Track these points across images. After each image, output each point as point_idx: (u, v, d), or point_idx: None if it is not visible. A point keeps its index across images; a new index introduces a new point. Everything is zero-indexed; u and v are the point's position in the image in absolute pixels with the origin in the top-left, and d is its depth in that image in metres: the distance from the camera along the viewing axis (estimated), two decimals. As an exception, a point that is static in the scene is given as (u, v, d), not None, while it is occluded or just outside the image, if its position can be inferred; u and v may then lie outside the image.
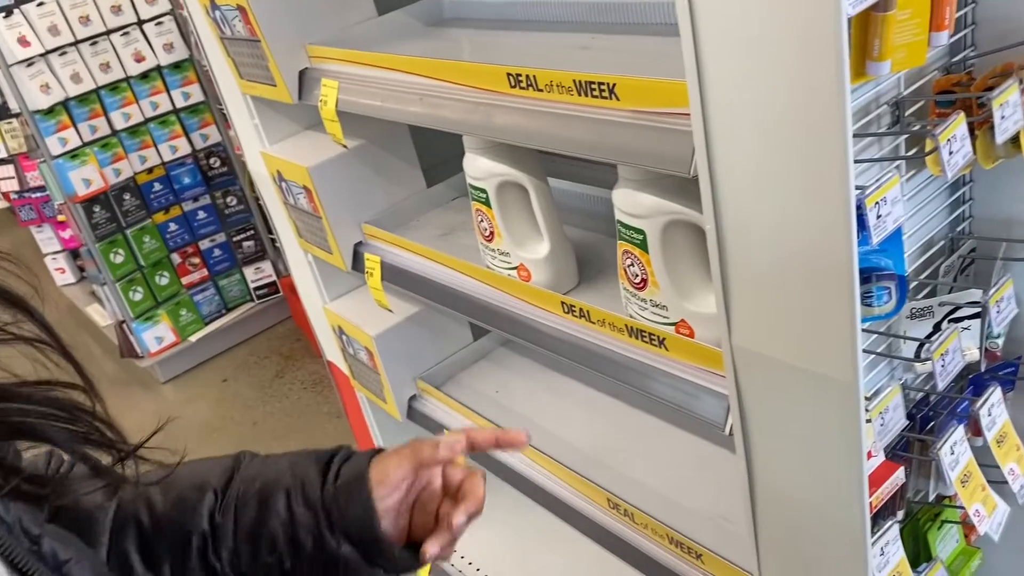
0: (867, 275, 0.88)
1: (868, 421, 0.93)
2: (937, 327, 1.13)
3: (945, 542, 1.32)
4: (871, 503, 0.99)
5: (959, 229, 1.25)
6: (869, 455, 1.04)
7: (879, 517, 1.08)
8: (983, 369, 1.25)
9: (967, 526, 1.32)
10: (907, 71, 1.06)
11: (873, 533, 1.03)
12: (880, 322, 1.10)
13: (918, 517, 1.31)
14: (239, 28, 1.54)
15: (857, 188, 0.85)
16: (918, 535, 1.31)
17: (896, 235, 0.87)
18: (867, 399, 0.95)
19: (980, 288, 1.11)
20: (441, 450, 0.83)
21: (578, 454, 1.57)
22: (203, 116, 3.67)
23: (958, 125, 0.91)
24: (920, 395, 1.23)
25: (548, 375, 1.85)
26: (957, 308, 1.12)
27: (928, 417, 1.19)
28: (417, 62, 1.29)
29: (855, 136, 0.97)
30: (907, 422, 1.22)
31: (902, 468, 1.04)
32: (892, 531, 1.04)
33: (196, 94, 3.61)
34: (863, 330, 1.07)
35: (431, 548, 0.80)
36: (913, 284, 1.19)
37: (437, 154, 1.84)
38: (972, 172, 1.21)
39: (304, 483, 0.82)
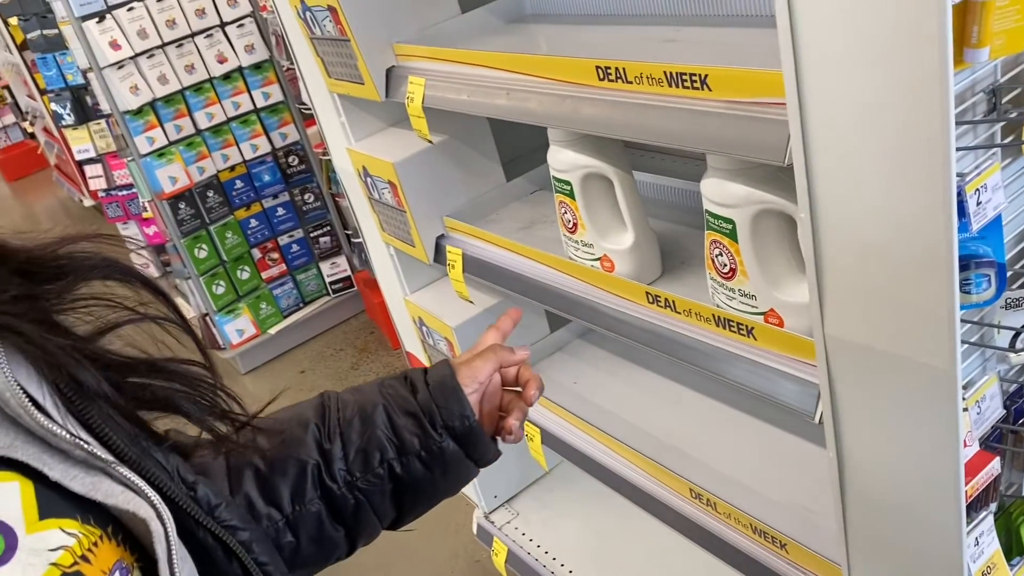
0: (966, 262, 0.88)
1: (964, 410, 0.93)
2: (1032, 317, 1.12)
3: (1039, 537, 1.30)
4: (966, 492, 0.99)
5: (1055, 219, 1.22)
6: (964, 444, 1.03)
7: (973, 508, 1.07)
8: (1079, 362, 1.22)
9: (1062, 522, 1.29)
10: (1004, 58, 1.04)
11: (967, 523, 1.02)
12: (974, 311, 1.09)
13: (1010, 511, 1.29)
14: (329, 28, 1.59)
15: (959, 176, 0.84)
16: (1010, 529, 1.29)
17: (996, 222, 0.86)
18: (963, 388, 0.94)
19: (1079, 278, 1.09)
20: (518, 352, 0.98)
21: (659, 444, 1.58)
22: (282, 116, 3.78)
23: (1060, 111, 0.90)
24: (1014, 387, 1.21)
25: (626, 366, 1.86)
26: (1054, 298, 1.10)
27: (1022, 409, 1.17)
28: (504, 57, 1.32)
29: (962, 124, 0.96)
30: (1002, 412, 1.20)
31: (997, 458, 1.03)
32: (987, 521, 1.03)
33: (276, 94, 3.72)
34: (964, 321, 1.07)
35: (514, 424, 0.92)
36: (1009, 273, 1.17)
37: (516, 148, 1.87)
38: (1070, 160, 1.19)
39: (396, 395, 0.90)
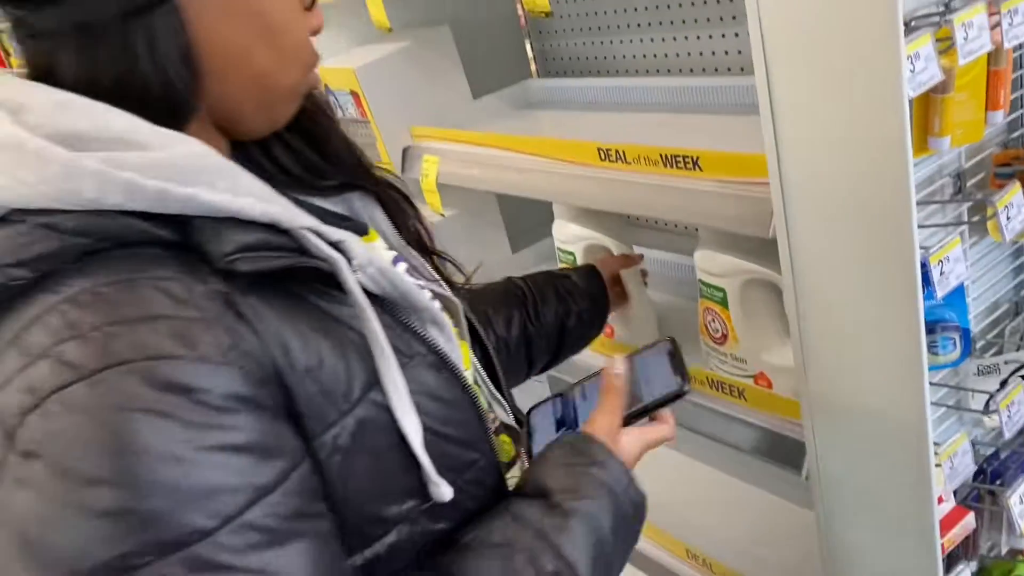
0: (932, 327, 0.97)
1: (937, 466, 1.01)
2: (1004, 383, 1.20)
3: (1019, 598, 1.35)
4: (943, 545, 1.05)
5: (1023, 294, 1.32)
6: (940, 500, 1.10)
7: (951, 562, 1.14)
8: (1051, 427, 1.30)
9: (1042, 583, 1.35)
10: (967, 146, 1.16)
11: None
12: (949, 376, 1.18)
13: (992, 572, 1.35)
14: (351, 110, 1.72)
15: (922, 248, 0.94)
16: (992, 589, 1.34)
17: (959, 291, 0.96)
18: (936, 445, 1.02)
19: (1045, 348, 1.18)
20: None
21: (656, 507, 1.64)
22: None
23: (1014, 193, 1.00)
24: (991, 450, 1.29)
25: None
26: (1023, 366, 1.18)
27: (998, 471, 1.25)
28: (513, 139, 1.44)
29: (920, 203, 1.07)
30: (979, 474, 1.27)
31: (972, 514, 1.10)
32: (964, 575, 1.09)
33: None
34: (933, 383, 1.15)
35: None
36: (980, 343, 1.26)
37: (522, 223, 1.98)
38: (1035, 239, 1.29)
39: (564, 281, 1.27)
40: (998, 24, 0.91)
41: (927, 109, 1.01)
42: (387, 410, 0.65)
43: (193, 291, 0.57)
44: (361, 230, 0.80)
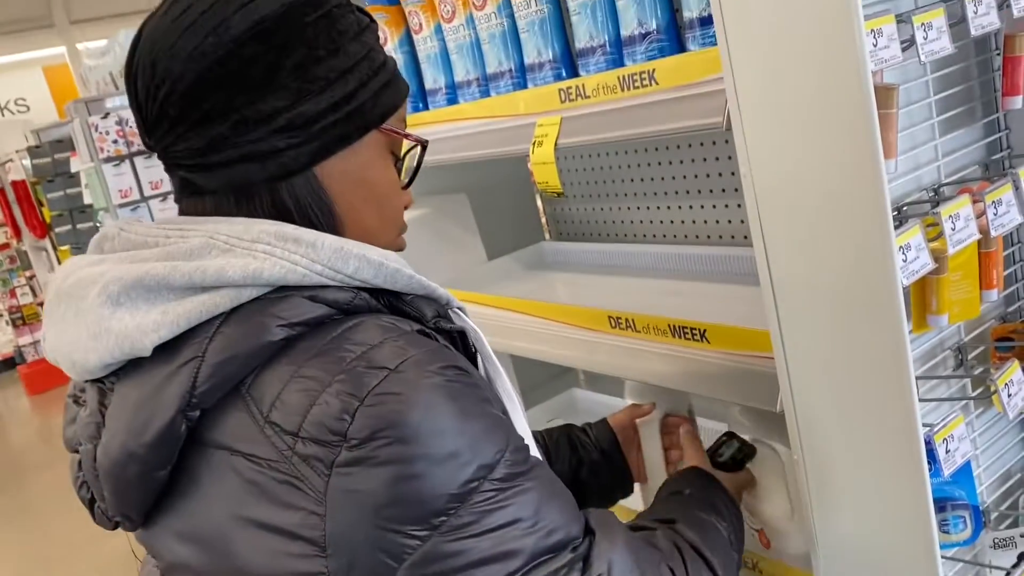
0: (942, 505, 0.98)
1: (958, 647, 0.99)
2: (1021, 556, 1.19)
3: None
4: None
5: (1034, 463, 1.32)
6: None
7: None
8: (1074, 602, 1.27)
9: None
10: (968, 320, 1.19)
11: None
12: (966, 551, 1.17)
13: None
14: (370, 272, 1.79)
15: (926, 426, 0.96)
16: None
17: (966, 468, 0.97)
18: (956, 626, 1.01)
19: (1060, 520, 1.17)
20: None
21: None
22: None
23: (1013, 371, 1.03)
24: (1013, 628, 1.25)
25: None
26: (1039, 539, 1.17)
27: (1023, 651, 1.21)
28: (525, 303, 1.49)
29: (922, 378, 1.10)
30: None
31: None
32: None
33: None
34: (948, 559, 1.14)
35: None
36: (995, 515, 1.25)
37: (533, 378, 2.01)
38: (1041, 410, 1.31)
39: (579, 433, 1.29)
40: (983, 213, 0.97)
41: (924, 289, 1.06)
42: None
43: (426, 337, 0.76)
44: None
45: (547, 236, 2.12)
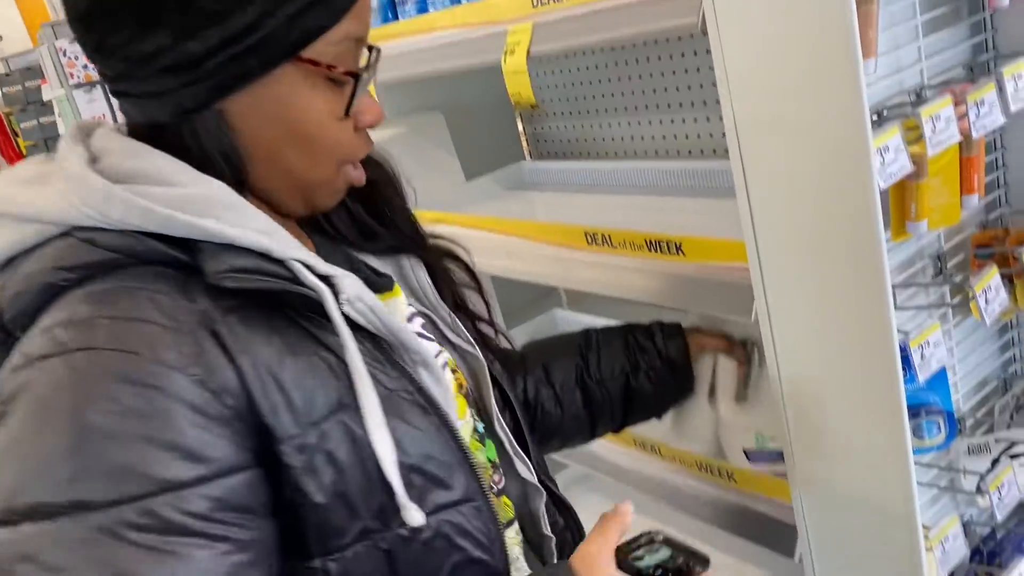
0: (917, 410, 0.97)
1: (929, 550, 1.00)
2: (996, 462, 1.20)
3: None
4: (940, 631, 1.04)
5: (1011, 370, 1.32)
6: (936, 585, 1.09)
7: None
8: (1046, 506, 1.29)
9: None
10: (948, 228, 1.18)
11: (943, 663, 1.06)
12: (941, 457, 1.18)
13: (997, 655, 1.32)
14: (345, 194, 1.75)
15: (902, 333, 0.96)
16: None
17: (941, 375, 0.97)
18: (926, 528, 1.02)
19: (1035, 425, 1.18)
20: None
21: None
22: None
23: (991, 277, 1.02)
24: (987, 530, 1.28)
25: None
26: (1013, 444, 1.18)
27: (995, 551, 1.23)
28: (503, 222, 1.47)
29: (901, 286, 1.09)
30: (975, 554, 1.26)
31: (969, 597, 1.08)
32: (964, 661, 1.07)
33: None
34: (924, 464, 1.15)
35: None
36: (970, 422, 1.26)
37: (513, 302, 2.00)
38: (1018, 317, 1.30)
39: (641, 332, 1.21)
40: (965, 115, 0.94)
41: (903, 195, 1.04)
42: (360, 431, 0.72)
43: (178, 305, 0.68)
44: (386, 285, 0.90)
45: (528, 156, 2.08)
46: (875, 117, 0.93)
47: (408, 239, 0.95)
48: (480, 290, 1.01)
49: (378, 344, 0.77)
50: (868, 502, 0.98)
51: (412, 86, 1.78)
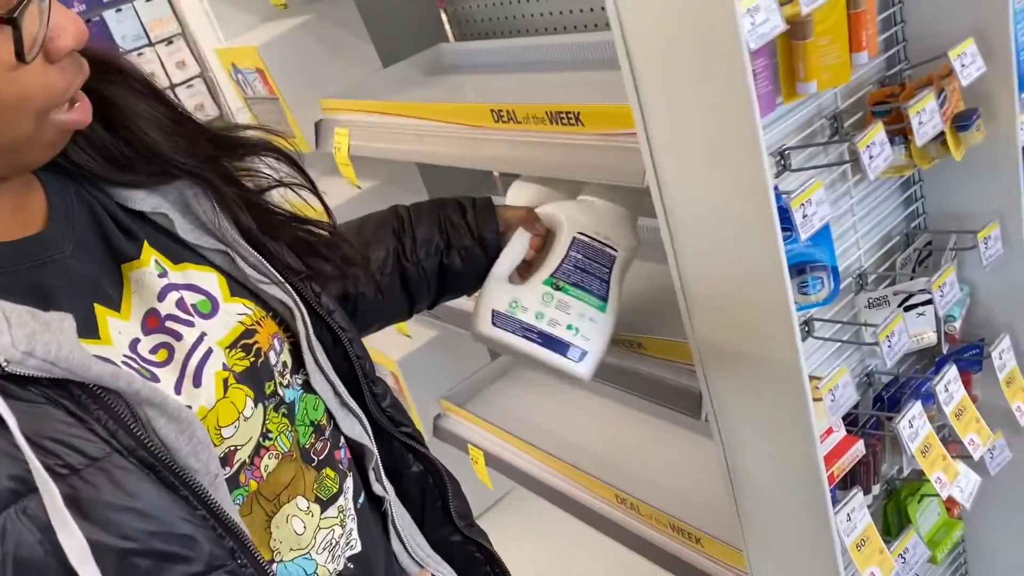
0: (802, 267, 1.01)
1: (818, 400, 1.05)
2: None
3: (926, 515, 1.42)
4: (832, 473, 1.10)
5: (914, 224, 1.36)
6: (830, 431, 1.15)
7: (846, 486, 1.19)
8: (945, 352, 1.35)
9: (949, 500, 1.41)
10: (846, 86, 1.18)
11: (839, 501, 1.14)
12: (846, 309, 1.22)
13: (901, 492, 1.41)
14: (259, 88, 1.71)
15: (785, 193, 0.98)
16: (900, 509, 1.40)
17: (824, 231, 0.99)
18: (819, 379, 1.07)
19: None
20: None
21: (592, 457, 1.68)
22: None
23: (876, 133, 1.03)
24: (890, 378, 1.34)
25: (561, 388, 1.97)
26: (910, 296, 1.23)
27: (895, 397, 1.30)
28: (414, 107, 1.45)
29: (798, 147, 1.10)
30: (877, 401, 1.33)
31: (861, 442, 1.14)
32: (857, 498, 1.14)
33: (228, 148, 3.84)
34: (824, 320, 1.19)
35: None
36: (872, 277, 1.30)
37: (451, 190, 2.00)
38: (920, 171, 1.33)
39: (452, 208, 1.20)
40: (843, -31, 0.93)
41: (791, 56, 1.04)
42: (44, 525, 0.58)
43: None
44: (130, 253, 0.74)
45: (452, 38, 2.03)
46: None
47: (175, 160, 0.76)
48: (311, 185, 0.87)
49: (87, 389, 0.61)
50: (757, 358, 1.03)
51: (319, -29, 1.73)
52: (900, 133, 1.13)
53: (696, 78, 0.90)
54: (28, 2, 0.59)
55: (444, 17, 2.03)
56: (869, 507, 1.40)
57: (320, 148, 1.74)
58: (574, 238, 1.19)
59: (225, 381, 0.72)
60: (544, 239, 1.23)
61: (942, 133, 1.14)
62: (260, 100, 1.76)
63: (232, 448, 0.72)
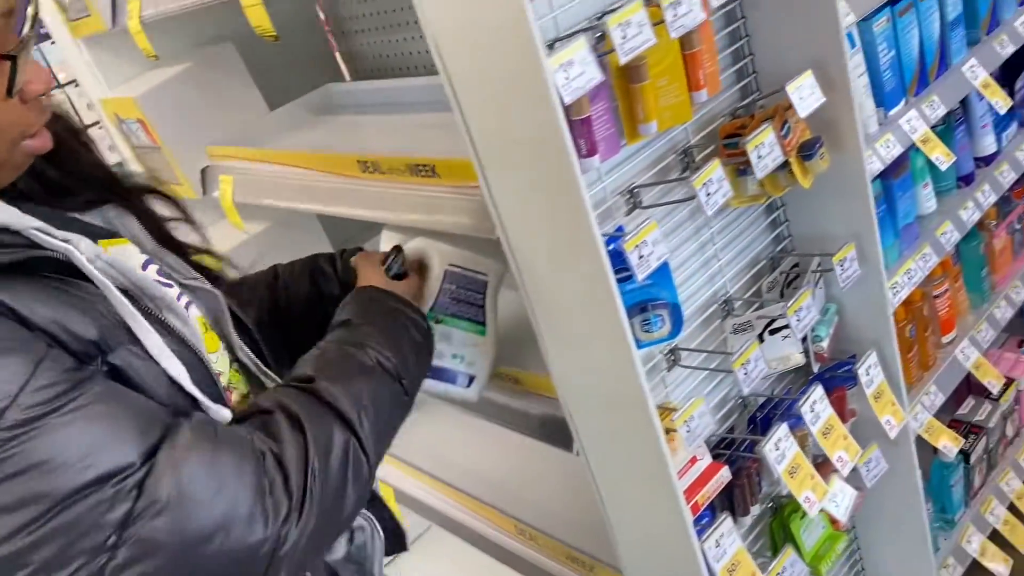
0: (644, 305, 1.03)
1: (672, 431, 1.08)
2: (760, 339, 1.28)
3: (810, 530, 1.46)
4: (698, 501, 1.13)
5: (780, 248, 1.40)
6: (694, 460, 1.18)
7: (716, 512, 1.22)
8: (816, 371, 1.39)
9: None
10: (698, 119, 1.22)
11: (709, 528, 1.16)
12: (711, 339, 1.25)
13: (785, 509, 1.45)
14: (143, 138, 1.71)
15: (614, 237, 1.00)
16: (784, 525, 1.44)
17: (663, 270, 1.02)
18: (674, 411, 1.09)
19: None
20: None
21: (489, 485, 1.67)
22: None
23: (712, 171, 1.07)
24: (763, 400, 1.38)
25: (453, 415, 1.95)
26: (773, 320, 1.26)
27: (768, 418, 1.33)
28: (290, 155, 1.46)
29: (649, 184, 1.13)
30: (751, 422, 1.36)
31: (726, 467, 1.17)
32: (726, 524, 1.17)
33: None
34: (690, 349, 1.22)
35: None
36: (739, 303, 1.34)
37: (346, 228, 2.00)
38: (783, 197, 1.37)
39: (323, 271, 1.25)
40: (661, 20, 0.96)
41: (631, 99, 1.07)
42: (148, 359, 0.78)
43: None
44: (113, 234, 0.92)
45: (347, 76, 2.04)
46: (567, 38, 0.95)
47: (104, 189, 0.94)
48: (189, 219, 1.03)
49: (125, 295, 0.80)
50: (608, 395, 1.05)
51: (198, 19, 1.72)
52: (748, 164, 1.16)
53: (519, 132, 0.93)
54: (27, 46, 0.74)
55: (338, 56, 2.04)
56: (754, 527, 1.44)
57: (208, 194, 1.73)
58: (446, 271, 1.22)
59: (205, 324, 0.92)
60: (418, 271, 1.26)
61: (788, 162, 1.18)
62: (145, 149, 1.75)
63: (217, 372, 0.89)
